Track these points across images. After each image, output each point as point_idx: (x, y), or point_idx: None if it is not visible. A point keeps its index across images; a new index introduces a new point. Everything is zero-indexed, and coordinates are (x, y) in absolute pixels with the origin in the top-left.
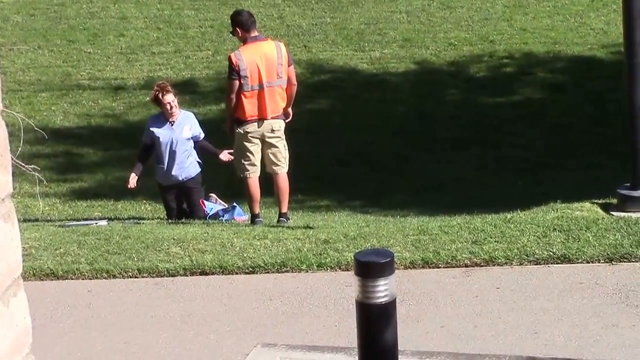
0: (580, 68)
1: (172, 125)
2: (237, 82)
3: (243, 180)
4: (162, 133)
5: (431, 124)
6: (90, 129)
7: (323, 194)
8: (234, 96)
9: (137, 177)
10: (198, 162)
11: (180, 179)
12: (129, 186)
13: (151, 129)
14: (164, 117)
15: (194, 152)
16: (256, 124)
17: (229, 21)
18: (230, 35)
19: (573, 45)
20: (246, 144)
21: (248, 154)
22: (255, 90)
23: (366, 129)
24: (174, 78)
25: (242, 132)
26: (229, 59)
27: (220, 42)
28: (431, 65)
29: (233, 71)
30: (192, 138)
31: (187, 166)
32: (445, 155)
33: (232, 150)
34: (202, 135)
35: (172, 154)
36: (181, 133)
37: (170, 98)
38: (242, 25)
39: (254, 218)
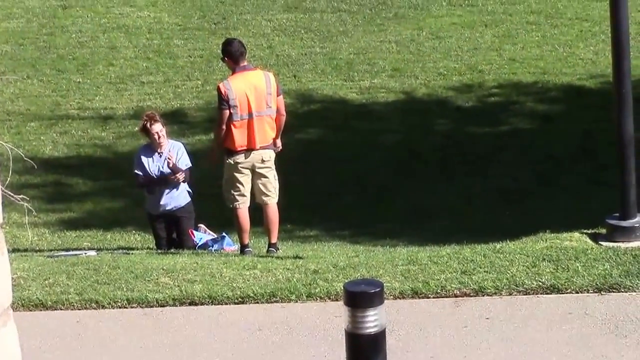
0: (569, 98)
1: (160, 155)
2: (227, 112)
3: (232, 210)
4: (151, 163)
5: (420, 153)
6: (80, 158)
7: (312, 224)
8: (224, 126)
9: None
10: (188, 192)
11: (169, 208)
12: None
13: (141, 159)
14: (152, 148)
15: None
16: (244, 154)
17: (220, 50)
18: (221, 63)
19: (562, 75)
20: (236, 174)
21: (238, 184)
22: (245, 119)
23: (355, 159)
24: (163, 108)
25: (232, 162)
26: (218, 88)
27: (210, 72)
28: (420, 95)
29: (222, 101)
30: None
31: (176, 196)
32: (434, 185)
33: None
34: (189, 165)
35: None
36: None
37: (158, 128)
38: (231, 55)
39: (243, 248)
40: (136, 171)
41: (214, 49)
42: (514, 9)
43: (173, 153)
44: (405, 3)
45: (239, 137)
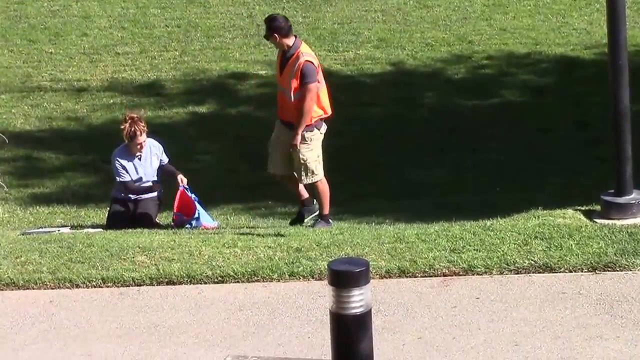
0: (562, 70)
1: (140, 159)
2: (317, 85)
3: (318, 182)
4: (132, 168)
5: (407, 127)
6: (52, 132)
7: (295, 201)
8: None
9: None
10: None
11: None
12: None
13: (122, 164)
14: (129, 152)
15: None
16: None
17: (272, 26)
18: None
19: (555, 46)
20: (320, 145)
21: (321, 154)
22: (321, 89)
23: (340, 133)
24: (139, 80)
25: (320, 133)
26: (311, 63)
27: (188, 43)
28: (407, 67)
29: (316, 75)
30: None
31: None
32: (422, 160)
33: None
34: (167, 160)
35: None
36: (150, 166)
37: (143, 139)
38: (289, 28)
39: (326, 217)
40: (122, 179)
41: (192, 18)
42: None
43: (153, 154)
44: None
45: (326, 104)
